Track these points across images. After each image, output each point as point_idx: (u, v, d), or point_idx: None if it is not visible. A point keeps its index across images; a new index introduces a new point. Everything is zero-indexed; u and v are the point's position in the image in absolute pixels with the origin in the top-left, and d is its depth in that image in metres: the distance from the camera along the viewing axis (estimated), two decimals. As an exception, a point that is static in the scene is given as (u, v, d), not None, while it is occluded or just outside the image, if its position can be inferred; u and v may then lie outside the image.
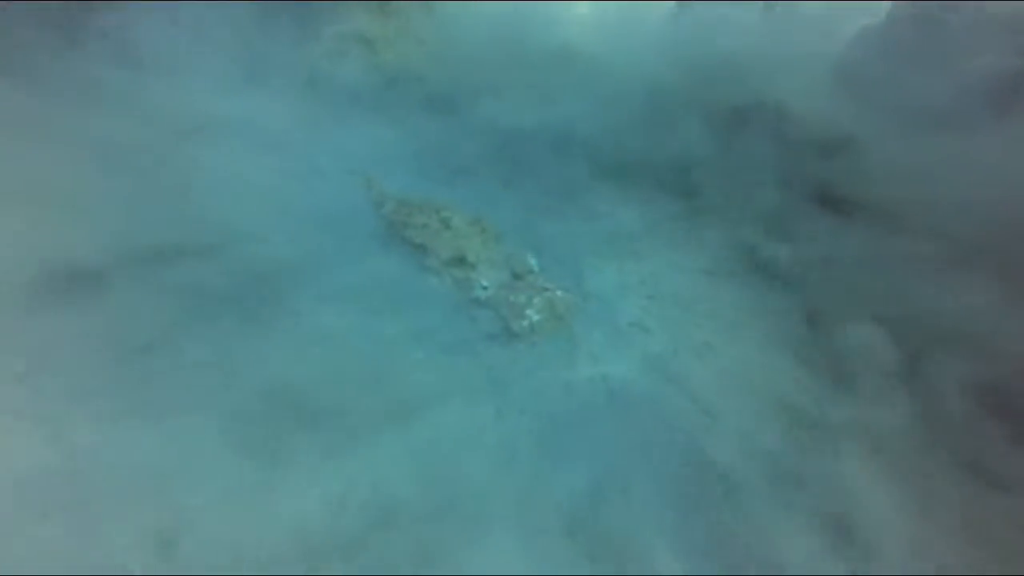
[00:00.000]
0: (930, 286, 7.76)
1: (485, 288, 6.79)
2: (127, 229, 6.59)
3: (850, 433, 6.23)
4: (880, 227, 8.45)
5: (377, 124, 9.88)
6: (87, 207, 6.88)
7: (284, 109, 9.30)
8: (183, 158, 7.34)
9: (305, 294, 6.06)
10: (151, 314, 5.89)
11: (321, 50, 10.31)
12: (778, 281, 7.81)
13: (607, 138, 9.82)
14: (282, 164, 8.20)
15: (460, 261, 7.02)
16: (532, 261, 7.35)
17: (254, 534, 4.67)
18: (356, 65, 10.36)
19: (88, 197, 6.98)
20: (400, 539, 4.89)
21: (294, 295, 6.08)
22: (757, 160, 8.98)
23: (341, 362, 5.82)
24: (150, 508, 4.70)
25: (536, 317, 6.66)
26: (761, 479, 5.70)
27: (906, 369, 6.68)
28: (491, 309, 6.74)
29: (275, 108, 9.21)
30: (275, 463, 5.09)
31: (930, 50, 8.93)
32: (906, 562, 5.16)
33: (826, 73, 9.22)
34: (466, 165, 9.27)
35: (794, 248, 8.25)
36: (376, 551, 4.84)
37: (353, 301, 6.27)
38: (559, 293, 6.97)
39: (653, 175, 9.34)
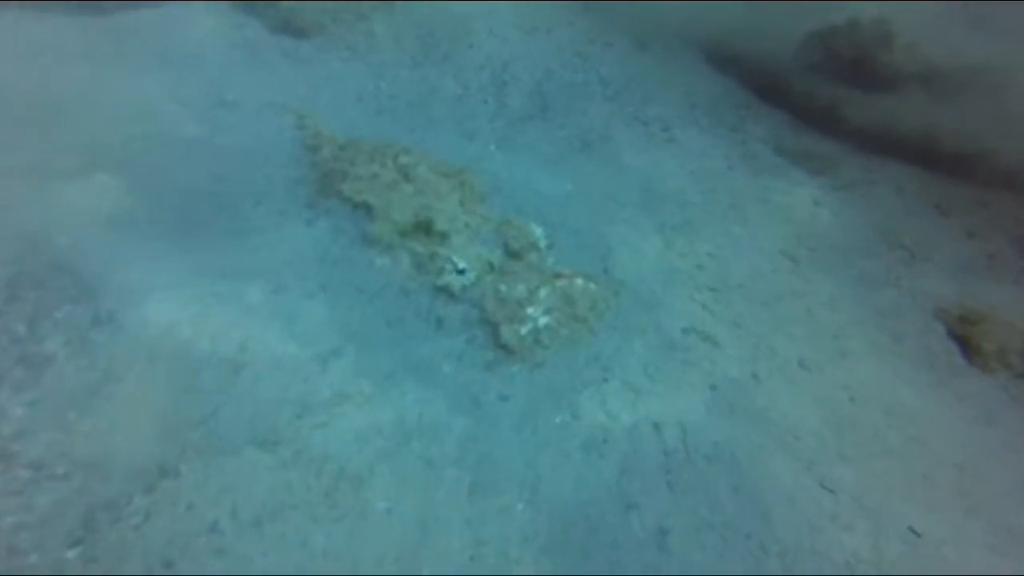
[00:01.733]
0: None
1: (462, 272, 4.10)
2: None
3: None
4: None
5: (329, 56, 7.12)
6: None
7: (196, 24, 6.53)
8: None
9: (143, 282, 3.34)
10: None
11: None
12: (887, 269, 5.15)
13: (637, 74, 7.09)
14: (176, 91, 5.46)
15: (424, 229, 4.32)
16: (536, 231, 4.65)
17: None
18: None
19: None
20: None
21: (135, 283, 3.37)
22: (846, 100, 6.31)
23: (209, 399, 3.15)
24: None
25: (543, 320, 3.98)
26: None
27: None
28: (470, 306, 4.06)
29: (180, 21, 6.43)
30: None
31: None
32: None
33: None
34: (446, 109, 6.54)
35: (905, 222, 5.59)
36: None
37: (234, 299, 3.55)
38: (578, 281, 4.28)
39: (699, 118, 6.64)
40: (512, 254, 4.39)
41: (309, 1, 7.32)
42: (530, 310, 3.96)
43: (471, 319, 3.97)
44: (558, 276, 4.23)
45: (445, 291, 4.05)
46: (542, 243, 4.59)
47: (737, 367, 4.21)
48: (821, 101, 6.40)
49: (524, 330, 3.89)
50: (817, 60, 6.44)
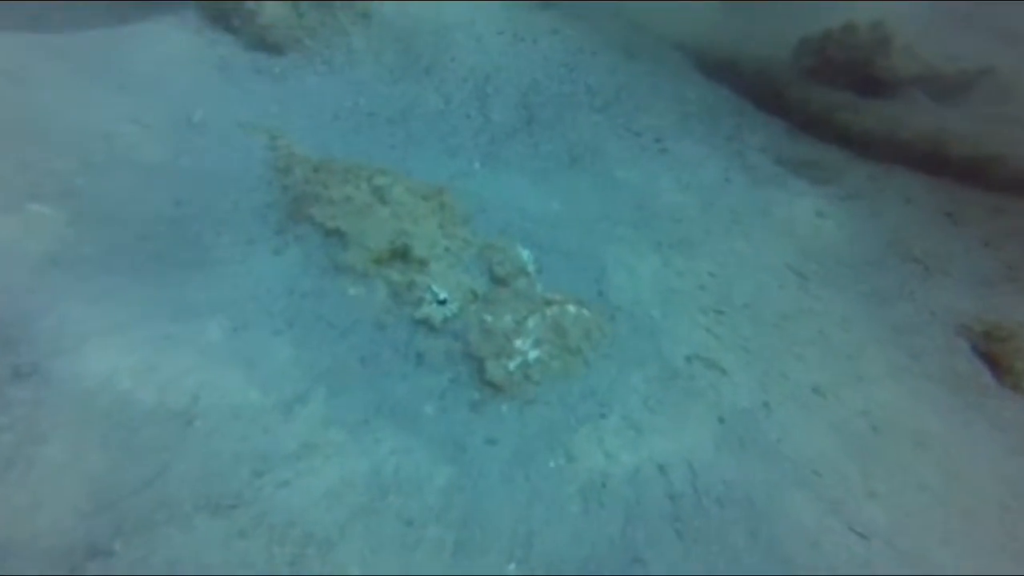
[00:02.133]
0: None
1: (443, 302, 3.77)
2: None
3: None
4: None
5: (305, 72, 6.84)
6: None
7: (164, 42, 6.23)
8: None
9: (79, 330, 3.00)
10: None
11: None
12: (901, 283, 4.85)
13: (626, 83, 6.83)
14: (137, 112, 5.14)
15: (401, 256, 3.99)
16: (524, 255, 4.33)
17: None
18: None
19: None
20: None
21: (69, 328, 3.02)
22: (844, 106, 6.06)
23: (153, 460, 2.78)
24: None
25: (533, 352, 3.65)
26: None
27: None
28: (453, 339, 3.72)
29: (146, 39, 6.13)
30: None
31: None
32: None
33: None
34: (427, 125, 6.25)
35: (915, 232, 5.30)
36: None
37: (187, 341, 3.21)
38: (570, 308, 3.96)
39: (693, 128, 6.37)
40: (498, 280, 4.06)
41: (286, 8, 7.03)
42: (518, 342, 3.62)
43: (454, 354, 3.63)
44: (548, 303, 3.90)
45: (425, 324, 3.71)
46: (530, 267, 4.27)
47: (747, 396, 3.89)
48: (818, 108, 6.15)
49: (512, 365, 3.55)
50: (812, 65, 6.21)
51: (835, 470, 3.52)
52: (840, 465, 3.55)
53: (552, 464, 3.29)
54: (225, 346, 3.26)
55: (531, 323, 3.71)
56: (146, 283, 3.42)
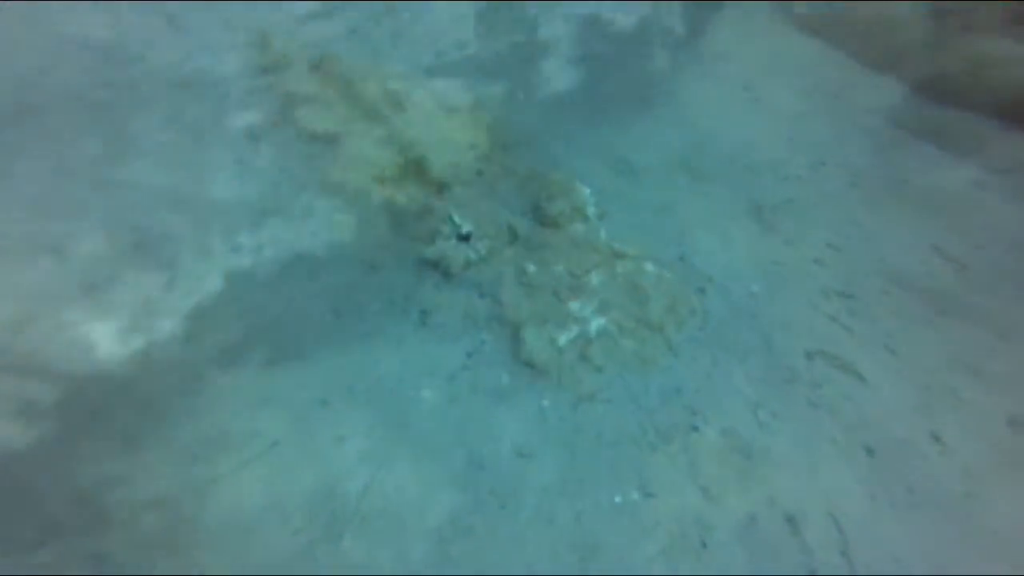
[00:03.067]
0: None
1: (466, 237, 2.50)
2: None
3: None
4: None
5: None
6: None
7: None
8: None
9: None
10: None
11: None
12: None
13: (706, 28, 5.51)
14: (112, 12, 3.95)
15: (414, 173, 2.74)
16: (584, 191, 3.05)
17: None
18: None
19: None
20: None
21: None
22: (999, 62, 4.68)
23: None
24: None
25: (596, 321, 2.37)
26: None
27: None
28: (477, 293, 2.45)
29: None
30: None
31: None
32: None
33: None
34: (460, 49, 4.99)
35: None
36: None
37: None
38: (649, 267, 2.66)
39: (790, 81, 5.03)
40: (546, 220, 2.77)
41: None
42: (575, 305, 2.32)
43: (476, 315, 2.35)
44: (619, 256, 2.60)
45: (437, 267, 2.44)
46: (591, 209, 2.97)
47: (903, 421, 2.54)
48: (959, 64, 4.76)
49: (564, 338, 2.25)
50: (956, 10, 4.82)
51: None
52: (1065, 538, 2.20)
53: (618, 500, 1.99)
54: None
55: (595, 279, 2.41)
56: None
